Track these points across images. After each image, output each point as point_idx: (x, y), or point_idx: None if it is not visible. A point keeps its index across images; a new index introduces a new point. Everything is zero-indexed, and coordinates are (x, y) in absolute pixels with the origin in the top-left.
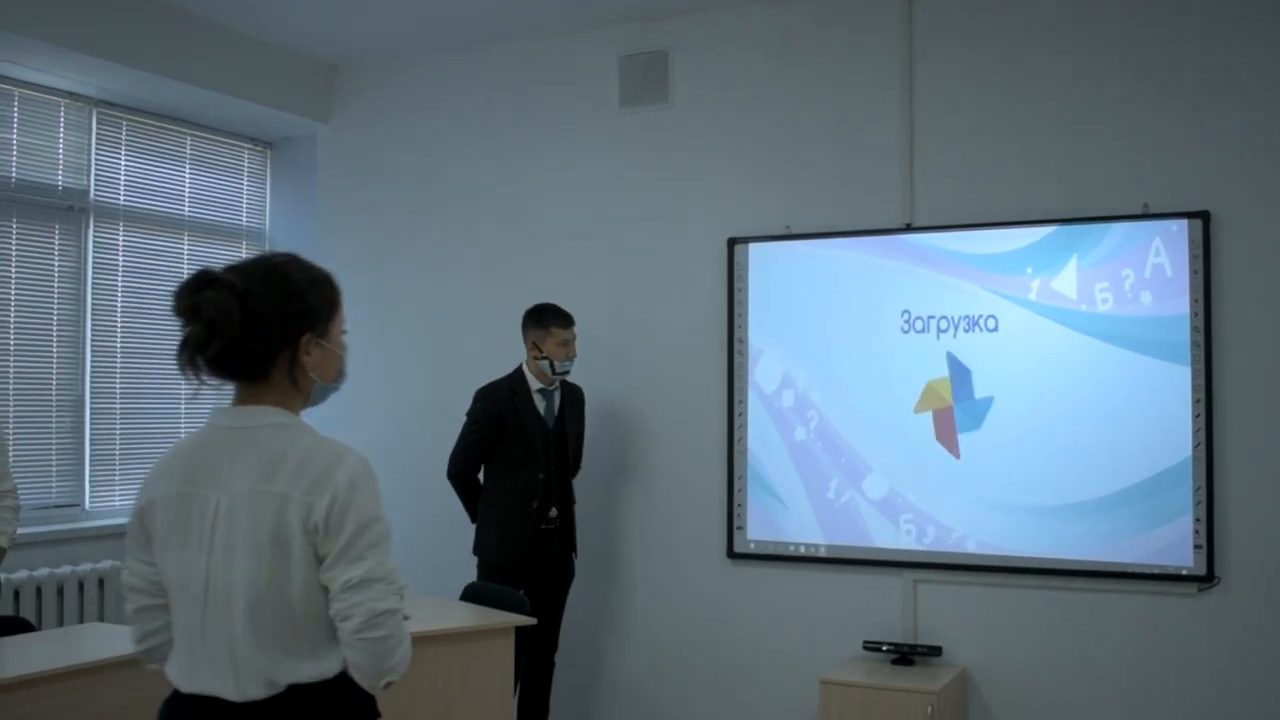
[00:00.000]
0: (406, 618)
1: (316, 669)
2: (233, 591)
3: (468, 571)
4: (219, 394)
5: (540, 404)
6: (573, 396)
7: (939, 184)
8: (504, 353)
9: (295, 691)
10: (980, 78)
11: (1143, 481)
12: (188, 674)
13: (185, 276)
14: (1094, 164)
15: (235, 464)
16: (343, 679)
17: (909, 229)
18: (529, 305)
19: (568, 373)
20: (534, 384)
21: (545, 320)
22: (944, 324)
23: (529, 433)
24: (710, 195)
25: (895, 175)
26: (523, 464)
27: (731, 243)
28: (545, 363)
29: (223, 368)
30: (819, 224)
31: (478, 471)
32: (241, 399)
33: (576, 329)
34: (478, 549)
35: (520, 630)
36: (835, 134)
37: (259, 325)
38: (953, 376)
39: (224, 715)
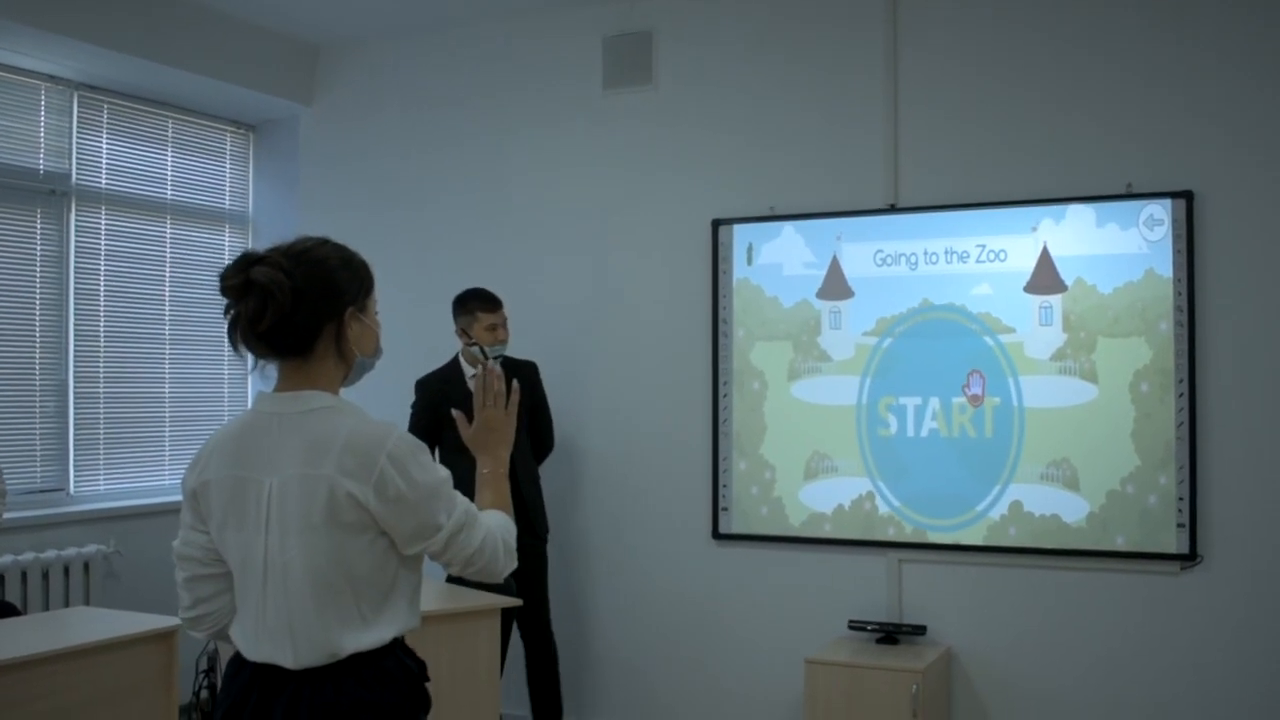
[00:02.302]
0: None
1: (372, 638)
2: (290, 569)
3: None
4: (204, 380)
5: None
6: (522, 376)
7: (923, 165)
8: None
9: (352, 659)
10: (964, 59)
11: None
12: (252, 643)
13: (227, 261)
14: (1077, 144)
15: (283, 449)
16: (396, 644)
17: (893, 209)
18: (456, 295)
19: (500, 357)
20: (468, 370)
21: (470, 305)
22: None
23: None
24: (694, 176)
25: (879, 156)
26: (463, 449)
27: (715, 224)
28: (475, 348)
29: (272, 343)
30: (803, 205)
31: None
32: (286, 380)
33: (506, 310)
34: None
35: (505, 612)
36: (819, 115)
37: (305, 299)
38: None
39: (283, 680)
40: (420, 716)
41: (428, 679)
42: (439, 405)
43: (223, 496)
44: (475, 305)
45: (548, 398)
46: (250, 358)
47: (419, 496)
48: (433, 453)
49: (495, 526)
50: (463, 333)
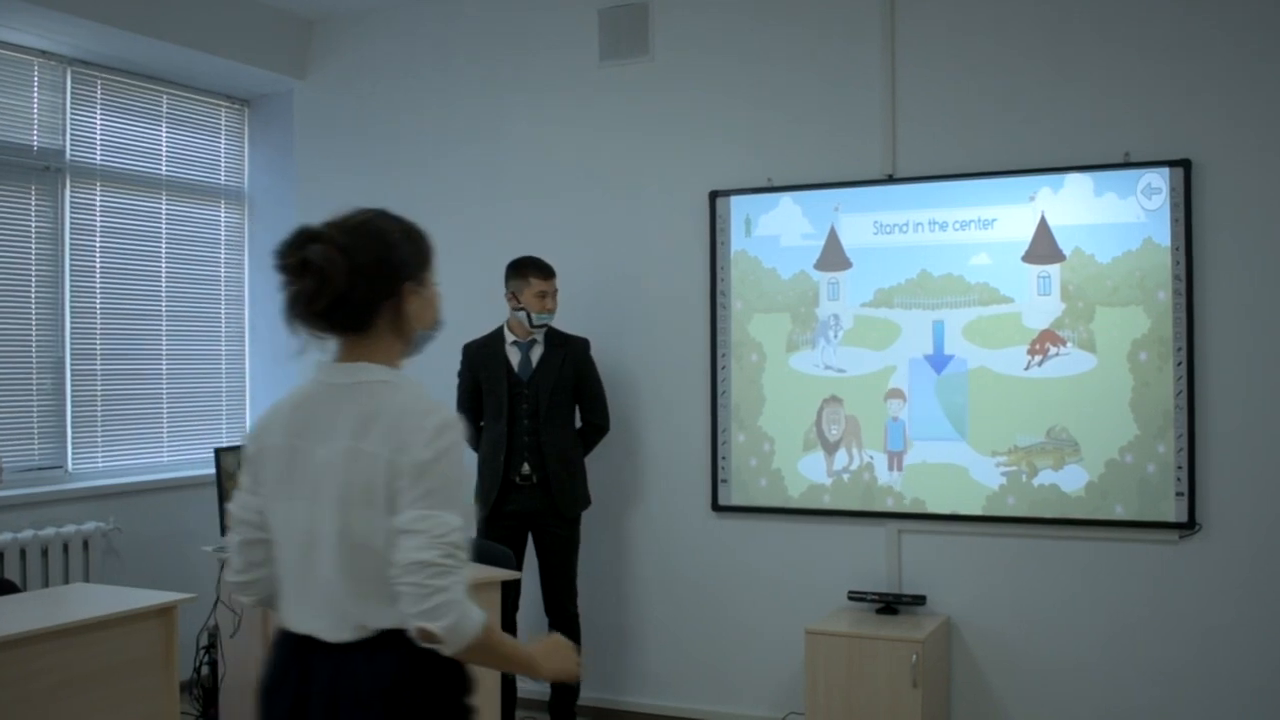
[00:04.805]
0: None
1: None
2: (330, 541)
3: None
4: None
5: (515, 356)
6: (569, 350)
7: (921, 135)
8: (486, 308)
9: (387, 635)
10: (962, 28)
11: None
12: (294, 614)
13: (286, 237)
14: (1075, 114)
15: (335, 420)
16: None
17: (891, 180)
18: (510, 260)
19: (545, 325)
20: (510, 337)
21: (524, 270)
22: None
23: (496, 386)
24: (691, 148)
25: (877, 126)
26: (496, 417)
27: (713, 195)
28: (522, 314)
29: (330, 321)
30: (800, 176)
31: (477, 423)
32: (345, 352)
33: (558, 282)
34: None
35: (506, 585)
36: (817, 85)
37: (362, 276)
38: (934, 334)
39: (319, 652)
40: (463, 699)
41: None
42: (477, 368)
43: (277, 464)
44: (529, 270)
45: (600, 378)
46: (304, 338)
47: (418, 473)
48: (476, 417)
49: (473, 605)
50: (512, 296)
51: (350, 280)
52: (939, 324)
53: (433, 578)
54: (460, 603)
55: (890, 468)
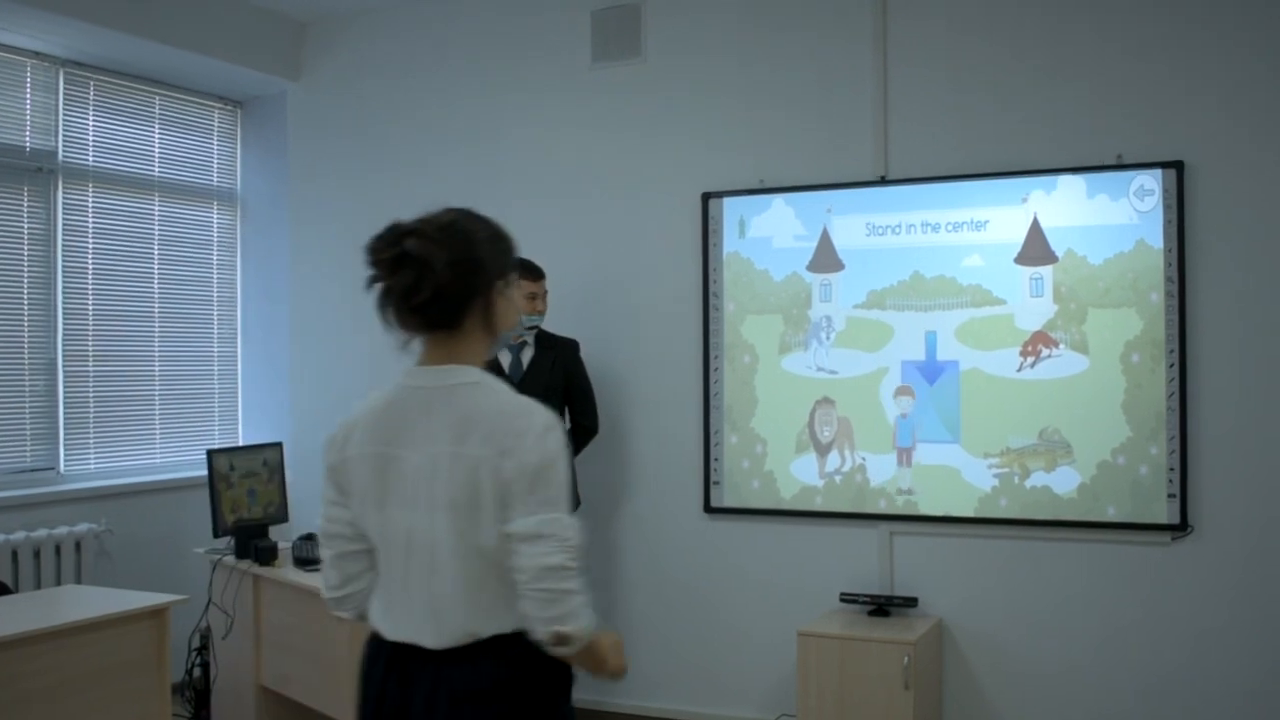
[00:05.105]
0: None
1: (514, 620)
2: (436, 548)
3: None
4: (193, 358)
5: (505, 358)
6: (558, 352)
7: (913, 136)
8: None
9: (490, 639)
10: (954, 30)
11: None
12: (391, 622)
13: (378, 232)
14: (1068, 115)
15: (430, 425)
16: None
17: (883, 182)
18: None
19: (534, 327)
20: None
21: None
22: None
23: None
24: (684, 150)
25: (869, 128)
26: None
27: (705, 197)
28: None
29: (425, 316)
30: (793, 177)
31: None
32: (431, 354)
33: (548, 284)
34: None
35: None
36: (809, 87)
37: (459, 271)
38: (926, 343)
39: (423, 660)
40: (562, 699)
41: (570, 664)
42: None
43: (366, 472)
44: (518, 272)
45: (590, 379)
46: (397, 334)
47: (535, 479)
48: None
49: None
50: None
51: (449, 274)
52: (931, 334)
53: (563, 581)
54: (587, 604)
55: (900, 463)
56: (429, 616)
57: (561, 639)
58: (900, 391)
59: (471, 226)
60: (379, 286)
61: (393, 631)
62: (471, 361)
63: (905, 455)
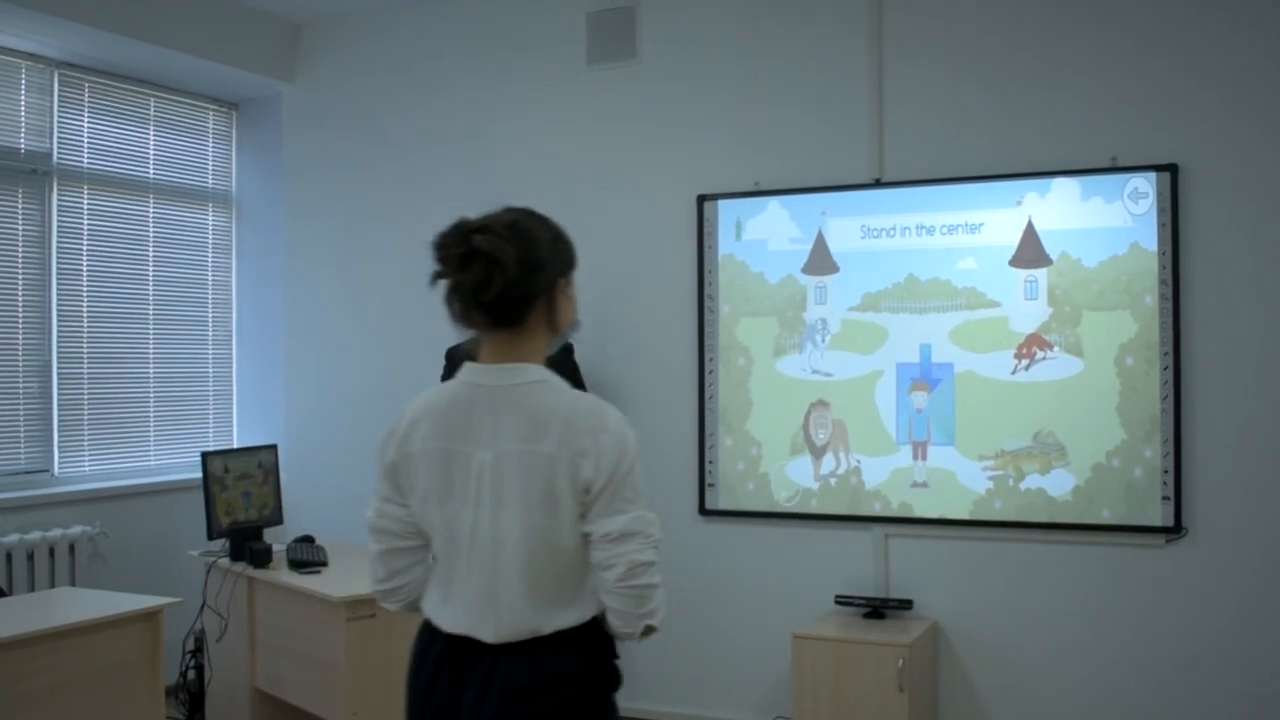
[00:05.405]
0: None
1: (574, 616)
2: (503, 545)
3: None
4: (188, 360)
5: None
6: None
7: (908, 139)
8: None
9: (552, 635)
10: (949, 32)
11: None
12: (449, 615)
13: (444, 230)
14: (1062, 118)
15: (499, 423)
16: (591, 624)
17: (878, 184)
18: None
19: None
20: None
21: None
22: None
23: None
24: (679, 152)
25: (864, 130)
26: None
27: (701, 199)
28: None
29: (492, 313)
30: (788, 180)
31: None
32: (494, 352)
33: None
34: None
35: None
36: (804, 89)
37: (526, 268)
38: (920, 355)
39: (479, 654)
40: (611, 694)
41: (617, 655)
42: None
43: (428, 469)
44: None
45: (584, 381)
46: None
47: (619, 479)
48: None
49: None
50: None
51: (516, 271)
52: (926, 347)
53: (654, 577)
54: (662, 603)
55: (915, 457)
56: (490, 612)
57: (650, 631)
58: (916, 387)
59: (535, 226)
60: (446, 282)
61: (450, 624)
62: (534, 359)
63: (920, 449)
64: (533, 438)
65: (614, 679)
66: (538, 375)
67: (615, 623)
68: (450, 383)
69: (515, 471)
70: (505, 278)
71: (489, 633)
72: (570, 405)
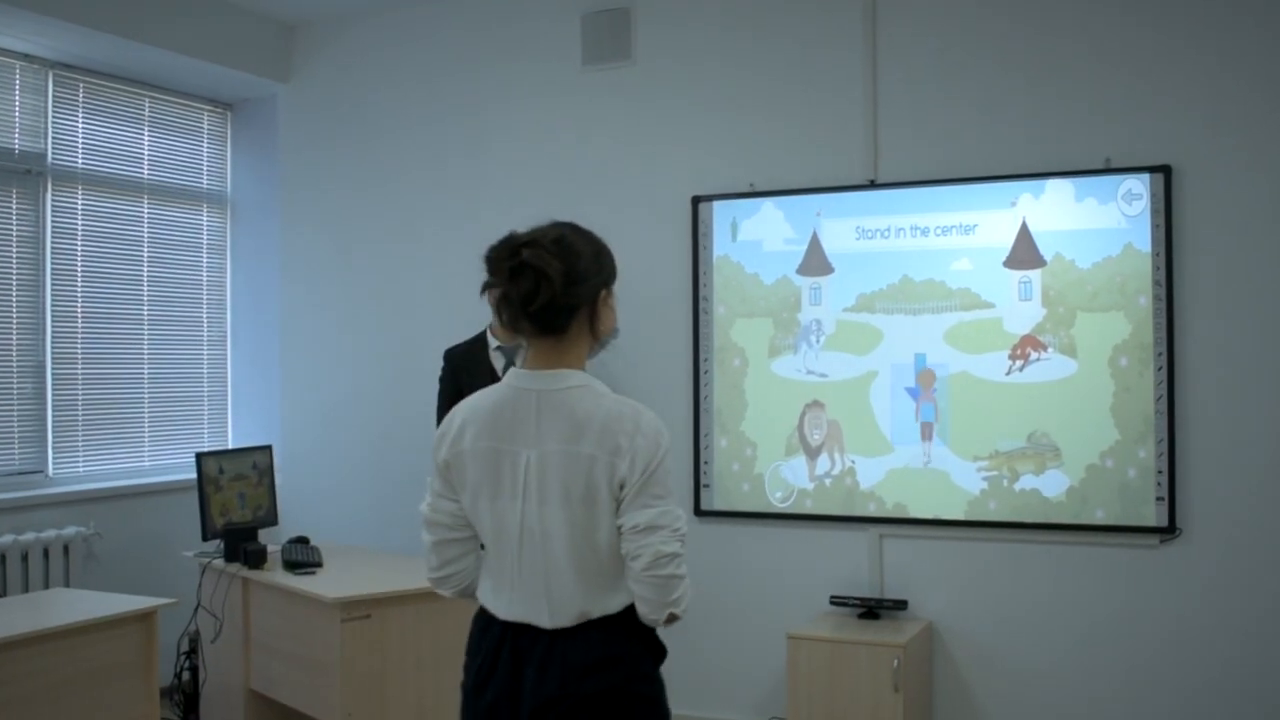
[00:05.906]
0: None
1: (618, 600)
2: (550, 537)
3: None
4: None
5: (499, 362)
6: None
7: (902, 140)
8: (470, 313)
9: (601, 618)
10: (943, 34)
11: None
12: (505, 604)
13: (494, 244)
14: (1056, 119)
15: (541, 425)
16: (633, 609)
17: (873, 185)
18: None
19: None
20: (494, 342)
21: None
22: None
23: (477, 390)
24: (674, 153)
25: (859, 131)
26: None
27: (695, 200)
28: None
29: (538, 323)
30: (783, 181)
31: None
32: (539, 358)
33: None
34: None
35: None
36: (799, 90)
37: (572, 280)
38: (914, 364)
39: (536, 638)
40: (658, 668)
41: (656, 636)
42: (460, 373)
43: (478, 467)
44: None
45: None
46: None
47: (648, 475)
48: None
49: None
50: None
51: (562, 283)
52: (920, 355)
53: (678, 568)
54: (688, 592)
55: (924, 438)
56: (544, 600)
57: (674, 619)
58: (922, 377)
59: (578, 240)
60: (495, 292)
61: (506, 612)
62: (575, 365)
63: (928, 429)
64: (573, 439)
65: (660, 656)
66: (579, 380)
67: (642, 609)
68: (497, 386)
69: (557, 470)
70: (551, 290)
71: (545, 619)
72: (608, 409)
